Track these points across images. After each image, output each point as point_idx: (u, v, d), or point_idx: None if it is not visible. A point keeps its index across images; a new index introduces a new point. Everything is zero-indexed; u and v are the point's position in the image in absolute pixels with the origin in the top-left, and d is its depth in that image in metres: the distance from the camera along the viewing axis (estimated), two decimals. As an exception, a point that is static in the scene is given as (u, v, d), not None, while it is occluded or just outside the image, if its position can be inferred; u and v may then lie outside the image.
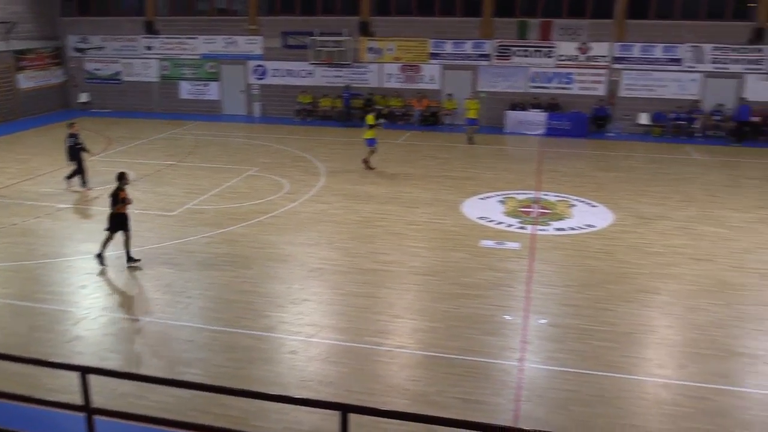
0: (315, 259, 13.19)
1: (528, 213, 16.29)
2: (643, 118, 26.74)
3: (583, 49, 26.78)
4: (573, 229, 15.21)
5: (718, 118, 26.03)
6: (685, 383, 9.06)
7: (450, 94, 27.89)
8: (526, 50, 27.25)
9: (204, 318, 10.81)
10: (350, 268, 12.78)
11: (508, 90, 27.65)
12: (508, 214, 16.17)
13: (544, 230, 15.08)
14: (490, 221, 15.60)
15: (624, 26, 26.22)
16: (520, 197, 17.58)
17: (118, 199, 12.38)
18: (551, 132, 26.16)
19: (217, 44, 30.42)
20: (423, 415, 6.27)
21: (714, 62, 25.99)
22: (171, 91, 31.48)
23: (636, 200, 17.50)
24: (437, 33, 27.96)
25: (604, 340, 10.12)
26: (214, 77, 30.87)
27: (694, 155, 23.27)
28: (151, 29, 30.93)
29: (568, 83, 27.23)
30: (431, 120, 28.18)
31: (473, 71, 27.95)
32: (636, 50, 26.42)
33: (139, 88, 31.73)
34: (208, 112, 30.77)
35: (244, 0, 29.91)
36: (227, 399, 7.81)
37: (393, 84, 28.83)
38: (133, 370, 9.01)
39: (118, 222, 12.49)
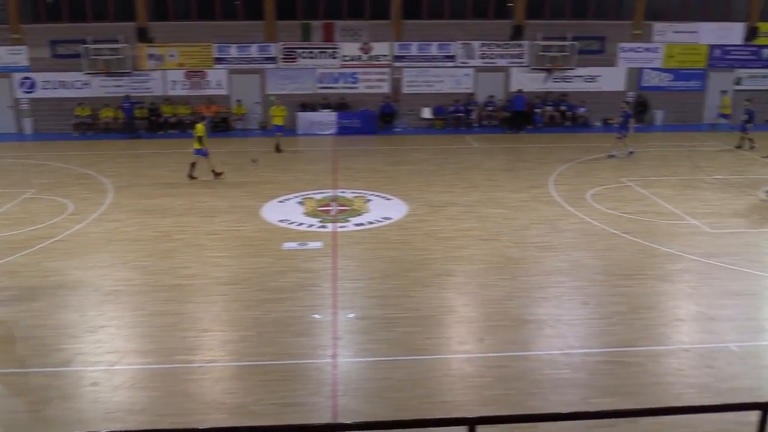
0: (110, 282, 12.40)
1: (327, 211, 16.61)
2: (426, 113, 28.39)
3: (366, 49, 27.78)
4: (371, 222, 15.76)
5: (491, 108, 28.34)
6: (485, 355, 9.80)
7: (239, 100, 27.55)
8: (311, 52, 27.68)
9: (-14, 361, 9.72)
10: (151, 287, 12.19)
11: (297, 92, 27.93)
12: (308, 214, 16.37)
13: (344, 227, 15.46)
14: (291, 223, 15.68)
15: (401, 26, 27.60)
16: (318, 197, 17.87)
17: None
18: (342, 131, 26.86)
19: (-27, 56, 27.38)
20: (238, 427, 6.18)
21: (483, 58, 28.25)
22: None
23: (426, 190, 18.54)
24: (221, 37, 27.46)
25: (410, 325, 10.63)
26: (-28, 93, 27.75)
27: (473, 144, 25.13)
28: None
29: (354, 83, 28.10)
30: (222, 126, 27.65)
31: (261, 74, 27.85)
32: (414, 49, 27.95)
33: None
34: (-32, 132, 27.64)
35: (4, 7, 27.15)
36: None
37: (179, 91, 27.87)
38: None
39: None
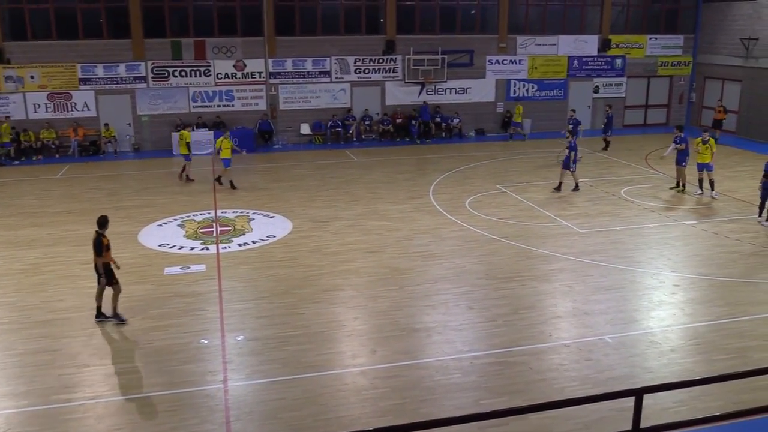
0: (-26, 322, 11.48)
1: (209, 233, 16.21)
2: (305, 129, 28.36)
3: (239, 67, 27.41)
4: (255, 242, 15.52)
5: (368, 122, 28.73)
6: (378, 366, 9.89)
7: (107, 124, 26.34)
8: (183, 70, 26.96)
9: None
10: (21, 324, 11.39)
11: (171, 111, 27.07)
12: (189, 237, 15.90)
13: (227, 248, 15.14)
14: (171, 247, 15.16)
15: (274, 43, 27.45)
16: (199, 218, 17.40)
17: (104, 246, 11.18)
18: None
19: None
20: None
21: (357, 72, 28.61)
22: None
23: (309, 206, 18.51)
24: (85, 56, 26.18)
25: (301, 343, 10.56)
26: None
27: (354, 158, 25.36)
28: None
29: (229, 101, 27.63)
30: (92, 150, 26.33)
31: (131, 95, 26.79)
32: (289, 65, 27.87)
33: None
34: None
35: None
36: None
37: (42, 115, 26.24)
38: None
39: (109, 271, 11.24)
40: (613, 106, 30.77)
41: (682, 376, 9.24)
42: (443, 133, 29.17)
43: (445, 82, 29.27)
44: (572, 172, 19.71)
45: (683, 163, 19.55)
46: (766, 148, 26.44)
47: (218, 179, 20.87)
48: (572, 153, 19.49)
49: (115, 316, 11.40)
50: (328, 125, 28.34)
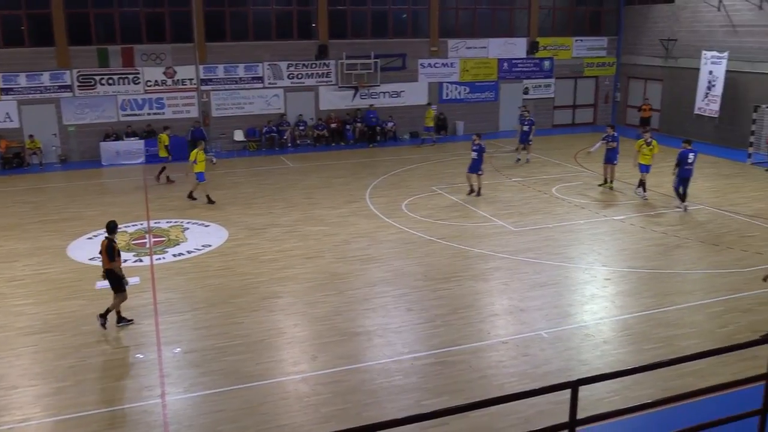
0: None
1: (142, 244, 15.83)
2: (238, 135, 28.02)
3: (169, 74, 26.88)
4: (190, 252, 15.25)
5: (303, 128, 28.60)
6: (319, 373, 9.86)
7: (32, 135, 25.40)
8: (110, 78, 26.25)
9: None
10: (-58, 347, 10.87)
11: (99, 120, 26.29)
12: (122, 249, 15.45)
13: (161, 259, 14.82)
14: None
15: (205, 49, 27.03)
16: (131, 230, 16.97)
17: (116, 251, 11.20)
18: (152, 159, 25.69)
19: None
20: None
21: (291, 78, 28.46)
22: None
23: (245, 213, 18.29)
24: (6, 65, 25.16)
25: (240, 353, 10.43)
26: None
27: (289, 164, 25.20)
28: None
29: (160, 108, 27.05)
30: (15, 162, 25.33)
31: (56, 104, 25.91)
32: (220, 71, 27.49)
33: None
34: None
35: None
36: None
37: (-41, 127, 25.14)
38: None
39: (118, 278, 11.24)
40: (541, 106, 31.63)
41: (615, 366, 9.54)
42: (378, 137, 29.27)
43: (379, 86, 29.41)
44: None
45: (614, 161, 20.09)
46: (688, 144, 27.56)
47: (191, 195, 19.59)
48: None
49: (102, 317, 11.28)
50: (263, 131, 28.08)
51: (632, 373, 6.58)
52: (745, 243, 15.33)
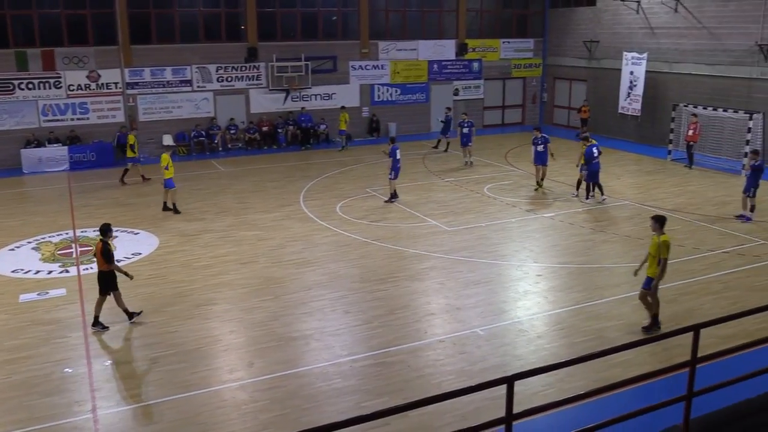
0: None
1: (68, 254, 15.29)
2: (168, 140, 27.37)
3: (93, 77, 26.06)
4: (119, 261, 14.78)
5: (234, 131, 28.19)
6: (257, 379, 9.74)
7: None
8: (30, 83, 25.24)
9: None
10: None
11: (19, 127, 25.25)
12: (46, 260, 14.92)
13: (89, 269, 14.33)
14: (26, 272, 14.16)
15: (130, 52, 26.33)
16: (56, 239, 16.37)
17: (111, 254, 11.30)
18: (76, 166, 24.90)
19: None
20: None
21: (220, 81, 28.02)
22: None
23: (176, 219, 17.90)
24: None
25: (175, 362, 10.20)
26: None
27: (220, 168, 24.80)
28: None
29: (84, 113, 26.18)
30: (-73, 171, 24.08)
31: (-29, 110, 24.73)
32: (147, 75, 26.82)
33: None
34: None
35: None
36: None
37: None
38: None
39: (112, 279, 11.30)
40: (472, 107, 32.13)
41: (549, 360, 9.78)
42: (311, 140, 29.12)
43: (310, 88, 29.28)
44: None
45: (545, 163, 20.50)
46: (610, 142, 28.53)
47: (174, 207, 18.60)
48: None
49: (129, 315, 11.52)
50: (192, 135, 27.55)
51: (565, 366, 6.75)
52: (667, 236, 15.94)
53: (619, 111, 29.12)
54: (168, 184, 18.57)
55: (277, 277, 13.72)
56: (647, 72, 27.58)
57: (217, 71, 27.88)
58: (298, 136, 28.95)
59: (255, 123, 28.64)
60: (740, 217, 17.20)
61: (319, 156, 26.93)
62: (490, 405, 8.33)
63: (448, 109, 28.46)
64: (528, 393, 8.73)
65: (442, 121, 27.52)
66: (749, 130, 22.55)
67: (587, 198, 19.24)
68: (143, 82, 26.83)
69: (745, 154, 22.42)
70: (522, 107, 34.86)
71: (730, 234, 16.12)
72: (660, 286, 13.11)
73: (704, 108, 24.45)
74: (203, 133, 27.62)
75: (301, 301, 12.49)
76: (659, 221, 10.94)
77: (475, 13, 33.00)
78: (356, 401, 9.08)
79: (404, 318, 11.71)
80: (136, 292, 12.95)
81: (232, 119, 28.22)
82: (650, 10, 27.94)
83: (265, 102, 28.98)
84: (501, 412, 6.00)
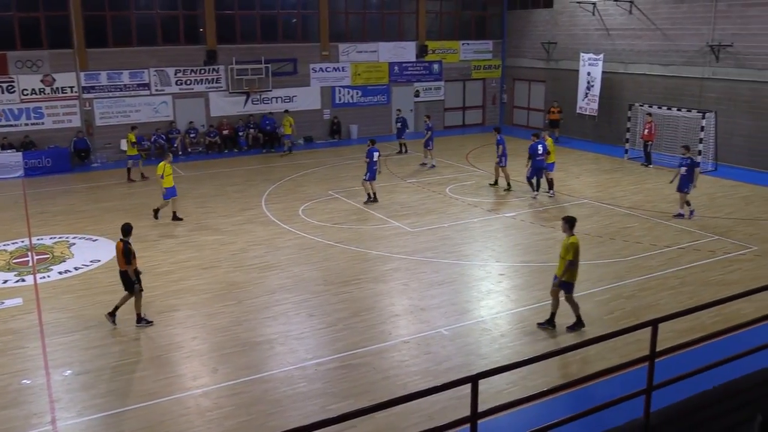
0: None
1: (24, 263, 14.93)
2: (125, 144, 26.89)
3: (48, 81, 25.50)
4: (78, 268, 14.52)
5: (194, 135, 27.87)
6: (221, 385, 9.63)
7: None
8: (-20, 87, 24.61)
9: None
10: None
11: (-31, 133, 24.60)
12: (1, 269, 14.54)
13: (46, 277, 14.03)
14: (-20, 282, 13.79)
15: (86, 55, 25.84)
16: (11, 248, 15.96)
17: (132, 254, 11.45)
18: (31, 172, 24.32)
19: None
20: None
21: (179, 84, 27.67)
22: None
23: (136, 225, 17.34)
24: None
25: (137, 370, 10.04)
26: None
27: (180, 172, 24.44)
28: None
29: (39, 118, 25.59)
30: None
31: None
32: (103, 78, 26.33)
33: None
34: None
35: None
36: None
37: None
38: None
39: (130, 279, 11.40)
40: (432, 108, 32.31)
41: (513, 358, 9.87)
42: (275, 143, 28.92)
43: (271, 91, 29.11)
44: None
45: (503, 163, 20.74)
46: (570, 142, 28.99)
47: (175, 216, 17.84)
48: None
49: (139, 320, 11.59)
50: (151, 140, 27.13)
51: (528, 364, 6.84)
52: (625, 234, 16.27)
53: (577, 111, 29.58)
54: (169, 193, 17.63)
55: (240, 281, 13.60)
56: (604, 72, 28.08)
57: (175, 74, 27.53)
58: (260, 139, 28.75)
59: (215, 126, 28.35)
60: (678, 215, 17.56)
61: (281, 159, 26.76)
62: (456, 404, 8.38)
63: (399, 110, 28.61)
64: (492, 391, 8.81)
65: (398, 126, 27.54)
66: (702, 128, 23.11)
67: (534, 193, 19.86)
68: (100, 86, 26.34)
69: (699, 152, 23.01)
70: (482, 108, 35.17)
71: (686, 230, 16.51)
72: (620, 283, 13.38)
73: (659, 107, 25.00)
74: (163, 137, 27.23)
75: (265, 306, 12.40)
76: (569, 222, 10.91)
77: (434, 15, 33.20)
78: (322, 404, 9.05)
79: (369, 320, 11.71)
80: (94, 300, 12.72)
81: (192, 123, 27.90)
82: (606, 12, 28.46)
83: (225, 105, 28.72)
84: (467, 411, 6.05)
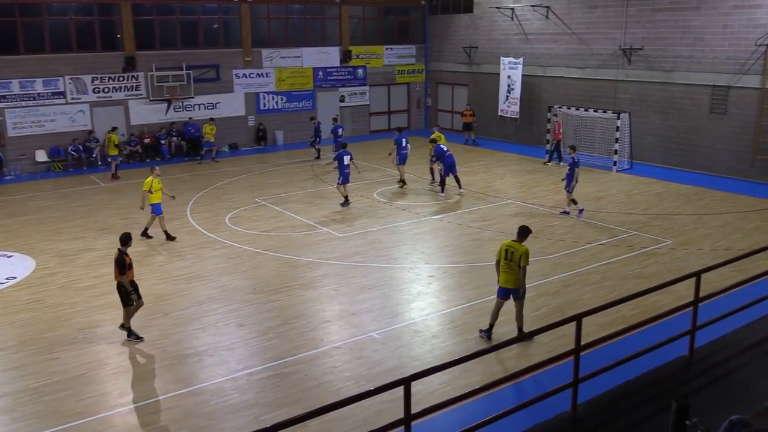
0: None
1: (-68, 283, 14.12)
2: (41, 155, 25.88)
3: (-47, 91, 24.24)
4: (-7, 286, 13.85)
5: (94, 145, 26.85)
6: (150, 401, 9.37)
7: None
8: None
9: None
10: None
11: None
12: None
13: (-42, 297, 13.30)
14: None
15: (-6, 63, 24.71)
16: None
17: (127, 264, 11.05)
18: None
19: None
20: None
21: (96, 92, 26.77)
22: None
23: (54, 239, 16.94)
24: None
25: (58, 391, 9.64)
26: None
27: (101, 183, 23.68)
28: None
29: (-57, 130, 24.30)
30: None
31: None
32: (15, 87, 25.21)
33: None
34: None
35: None
36: None
37: None
38: None
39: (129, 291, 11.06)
40: (357, 112, 32.42)
41: (445, 358, 9.98)
42: (202, 151, 28.32)
43: (193, 97, 28.54)
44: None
45: (403, 162, 21.84)
46: (492, 144, 29.62)
47: (168, 234, 16.71)
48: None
49: (128, 332, 11.27)
50: (68, 150, 26.15)
51: (459, 363, 6.96)
52: (549, 232, 16.73)
53: (499, 113, 30.24)
54: (154, 210, 16.56)
55: (166, 293, 13.26)
56: (524, 76, 28.81)
57: (92, 82, 26.63)
58: (183, 147, 28.13)
59: (136, 135, 27.57)
60: (564, 213, 18.36)
61: (205, 167, 26.26)
62: (391, 407, 8.42)
63: (312, 118, 28.62)
64: (426, 392, 8.90)
65: (312, 133, 27.53)
66: (618, 128, 24.02)
67: (441, 192, 20.73)
68: (11, 95, 25.20)
69: (615, 152, 23.91)
70: (407, 112, 35.50)
71: (606, 227, 17.12)
72: (546, 280, 13.78)
73: (576, 109, 25.84)
74: (80, 147, 26.29)
75: (193, 317, 12.14)
76: (525, 232, 11.11)
77: (357, 20, 33.31)
78: (255, 415, 8.92)
79: (300, 327, 11.63)
80: (11, 319, 12.16)
81: (92, 132, 26.92)
82: (524, 17, 29.23)
83: (146, 113, 27.97)
84: (400, 414, 6.10)
